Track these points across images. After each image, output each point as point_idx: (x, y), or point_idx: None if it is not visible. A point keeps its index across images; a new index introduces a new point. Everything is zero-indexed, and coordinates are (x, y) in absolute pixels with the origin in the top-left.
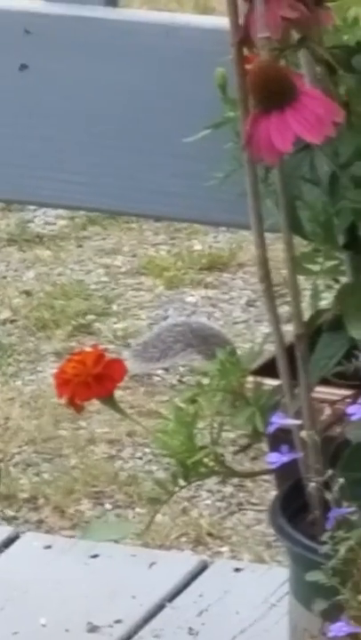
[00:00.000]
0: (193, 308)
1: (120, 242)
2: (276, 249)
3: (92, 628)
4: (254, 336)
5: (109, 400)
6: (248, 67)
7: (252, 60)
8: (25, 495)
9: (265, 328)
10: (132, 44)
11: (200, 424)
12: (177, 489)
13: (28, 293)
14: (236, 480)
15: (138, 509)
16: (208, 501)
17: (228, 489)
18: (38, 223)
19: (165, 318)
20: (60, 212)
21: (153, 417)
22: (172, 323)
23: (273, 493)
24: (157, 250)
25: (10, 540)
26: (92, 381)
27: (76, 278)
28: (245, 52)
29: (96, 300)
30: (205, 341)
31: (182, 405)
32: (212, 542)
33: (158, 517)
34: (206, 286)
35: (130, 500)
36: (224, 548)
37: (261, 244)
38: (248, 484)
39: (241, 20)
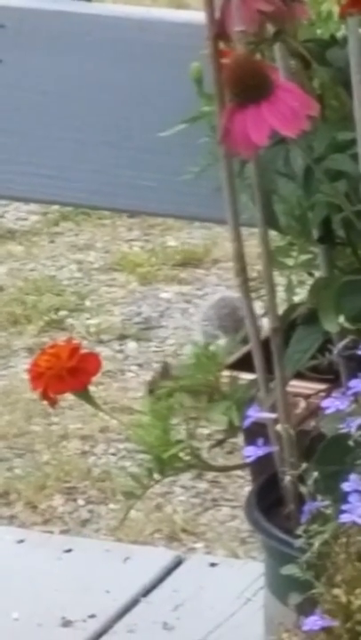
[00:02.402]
0: (167, 304)
1: (93, 238)
2: (250, 245)
3: (66, 623)
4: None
5: (84, 394)
6: (224, 61)
7: (227, 54)
8: None
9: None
10: (107, 38)
11: (175, 419)
12: (152, 483)
13: None
14: (210, 476)
15: (111, 505)
16: (182, 497)
17: (203, 485)
18: (10, 218)
19: (139, 314)
20: (33, 207)
21: (127, 413)
22: (216, 298)
23: (247, 489)
24: (131, 246)
25: None
26: (66, 375)
27: (48, 274)
28: (221, 46)
29: (69, 296)
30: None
31: (157, 400)
32: (187, 538)
33: (132, 513)
34: (180, 282)
35: (103, 495)
36: (198, 544)
37: (237, 238)
38: (222, 479)
39: (217, 14)
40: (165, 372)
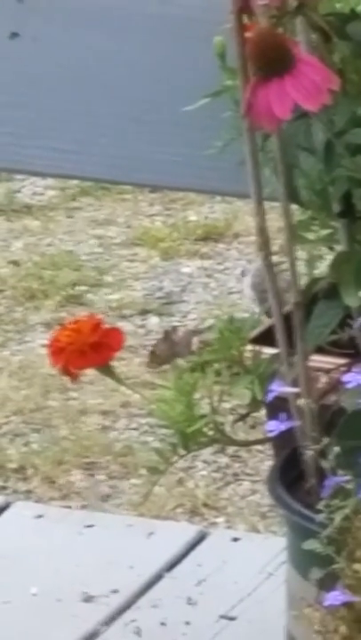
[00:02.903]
0: (188, 278)
1: (114, 213)
2: (271, 219)
3: (88, 598)
4: (249, 306)
5: (106, 369)
6: (247, 35)
7: (250, 28)
8: (13, 465)
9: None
10: (129, 13)
11: (199, 394)
12: (176, 458)
13: (15, 263)
14: (231, 450)
15: (133, 480)
16: (204, 472)
17: (224, 460)
18: (26, 193)
19: (161, 289)
20: (50, 182)
21: (149, 388)
22: (255, 268)
23: (268, 464)
24: (152, 221)
25: (0, 509)
26: (88, 350)
27: (65, 249)
28: (244, 20)
29: (88, 271)
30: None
31: (181, 375)
32: (208, 513)
33: (154, 488)
34: (202, 257)
35: (125, 470)
36: (220, 519)
37: (260, 212)
38: (243, 454)
39: None
40: (167, 339)
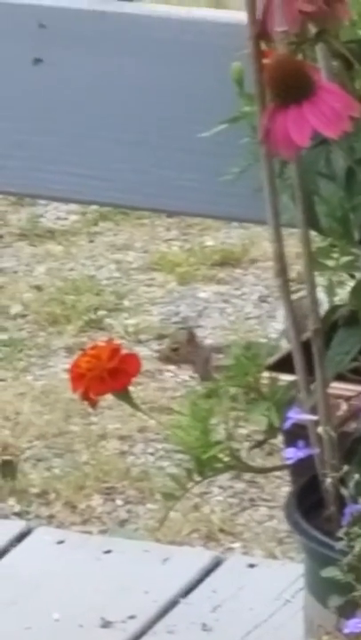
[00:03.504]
0: (205, 303)
1: (132, 237)
2: (289, 244)
3: (106, 624)
4: (267, 332)
5: (124, 395)
6: (265, 61)
7: (268, 54)
8: (36, 490)
9: (277, 324)
10: (148, 38)
11: (214, 419)
12: (191, 484)
13: (38, 288)
14: (248, 476)
15: (149, 505)
16: (220, 497)
17: (240, 485)
18: (50, 218)
19: (177, 314)
20: (72, 207)
21: (165, 413)
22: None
23: (285, 489)
24: (169, 245)
25: (22, 535)
26: (106, 376)
27: (87, 273)
28: (262, 46)
29: (107, 296)
30: None
31: (197, 401)
32: (224, 538)
33: (170, 514)
34: (218, 282)
35: (141, 495)
36: (236, 544)
37: (278, 239)
38: (260, 480)
39: (258, 14)
40: (191, 342)
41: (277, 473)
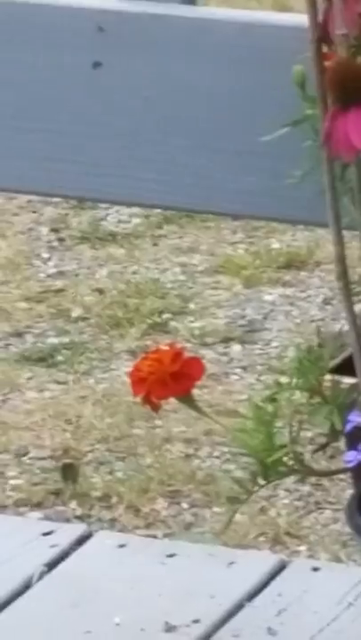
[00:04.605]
0: (271, 306)
1: (197, 240)
2: (353, 247)
3: (169, 628)
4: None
5: (187, 399)
6: (326, 64)
7: (330, 57)
8: (98, 494)
9: (342, 326)
10: (209, 42)
11: (279, 423)
12: (256, 488)
13: (100, 291)
14: (313, 479)
15: (215, 509)
16: (286, 500)
17: (306, 488)
18: (111, 221)
19: (243, 317)
20: (134, 210)
21: (231, 416)
22: None
23: (350, 492)
24: (235, 248)
25: (83, 538)
26: (169, 379)
27: (150, 277)
28: (324, 49)
29: (172, 299)
30: None
31: (261, 404)
32: (290, 541)
33: (236, 516)
34: (284, 285)
35: (207, 499)
36: (302, 547)
37: (339, 242)
38: (325, 482)
39: (320, 18)
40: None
41: (342, 476)
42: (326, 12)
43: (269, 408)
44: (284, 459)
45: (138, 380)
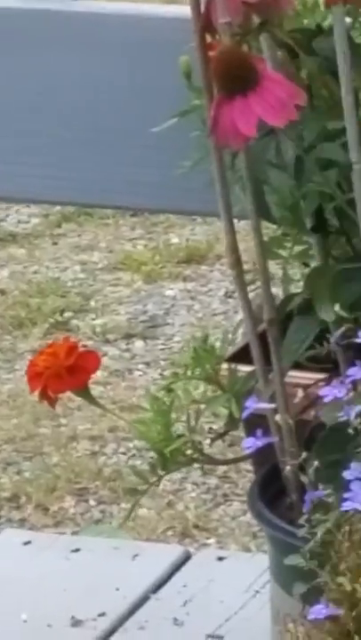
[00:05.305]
0: (172, 301)
1: (96, 238)
2: (250, 238)
3: (76, 623)
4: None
5: (84, 392)
6: (211, 53)
7: (215, 47)
8: (6, 494)
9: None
10: (98, 36)
11: (179, 414)
12: (155, 479)
13: (2, 292)
14: (220, 471)
15: (123, 505)
16: (193, 494)
17: (213, 481)
18: (11, 222)
19: (145, 313)
20: (34, 210)
21: (135, 412)
22: None
23: None
24: (134, 245)
25: None
26: (64, 373)
27: (51, 276)
28: (208, 38)
29: (73, 297)
30: None
31: (159, 395)
32: (199, 534)
33: (144, 511)
34: (185, 279)
35: (114, 495)
36: (211, 540)
37: (230, 231)
38: (232, 475)
39: (203, 8)
40: None
41: (250, 467)
42: (209, 2)
43: (166, 399)
44: (183, 448)
45: (34, 375)
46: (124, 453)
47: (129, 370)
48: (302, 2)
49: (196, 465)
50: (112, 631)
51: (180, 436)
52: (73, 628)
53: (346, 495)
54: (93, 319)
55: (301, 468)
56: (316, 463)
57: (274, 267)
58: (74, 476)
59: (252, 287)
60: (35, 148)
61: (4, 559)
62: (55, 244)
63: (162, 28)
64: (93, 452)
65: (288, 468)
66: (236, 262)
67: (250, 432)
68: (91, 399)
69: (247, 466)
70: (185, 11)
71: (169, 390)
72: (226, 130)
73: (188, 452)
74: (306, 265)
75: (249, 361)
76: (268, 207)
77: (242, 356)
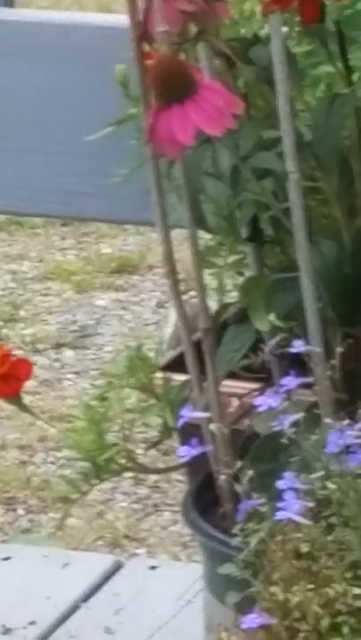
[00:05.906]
0: (103, 311)
1: (26, 247)
2: (186, 249)
3: (6, 631)
4: (165, 337)
5: (16, 401)
6: (148, 62)
7: (152, 56)
8: None
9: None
10: (32, 44)
11: (110, 423)
12: (87, 487)
13: None
14: (151, 481)
15: (51, 514)
16: (124, 504)
17: (144, 490)
18: None
19: (74, 322)
20: None
21: (65, 421)
22: None
23: None
24: (65, 254)
25: None
26: None
27: None
28: (146, 47)
29: (3, 306)
30: None
31: (92, 404)
32: (129, 544)
33: (73, 521)
34: (116, 289)
35: (43, 504)
36: (141, 550)
37: (166, 240)
38: (163, 484)
39: (140, 16)
40: None
41: (180, 477)
42: (146, 10)
43: (100, 408)
44: (117, 457)
45: None
46: (52, 463)
47: (58, 379)
48: (239, 11)
49: (127, 474)
50: (42, 639)
51: (113, 445)
52: (3, 636)
53: (279, 504)
54: (23, 329)
55: (236, 478)
56: (250, 472)
57: (207, 277)
58: (2, 485)
59: (185, 297)
60: None
61: None
62: None
63: (95, 37)
64: (22, 461)
65: (222, 477)
66: (172, 271)
67: (184, 441)
68: (23, 407)
69: (178, 476)
70: (120, 20)
71: (102, 399)
72: (163, 138)
73: (122, 460)
74: (240, 274)
75: (183, 370)
76: (203, 216)
77: (176, 365)
